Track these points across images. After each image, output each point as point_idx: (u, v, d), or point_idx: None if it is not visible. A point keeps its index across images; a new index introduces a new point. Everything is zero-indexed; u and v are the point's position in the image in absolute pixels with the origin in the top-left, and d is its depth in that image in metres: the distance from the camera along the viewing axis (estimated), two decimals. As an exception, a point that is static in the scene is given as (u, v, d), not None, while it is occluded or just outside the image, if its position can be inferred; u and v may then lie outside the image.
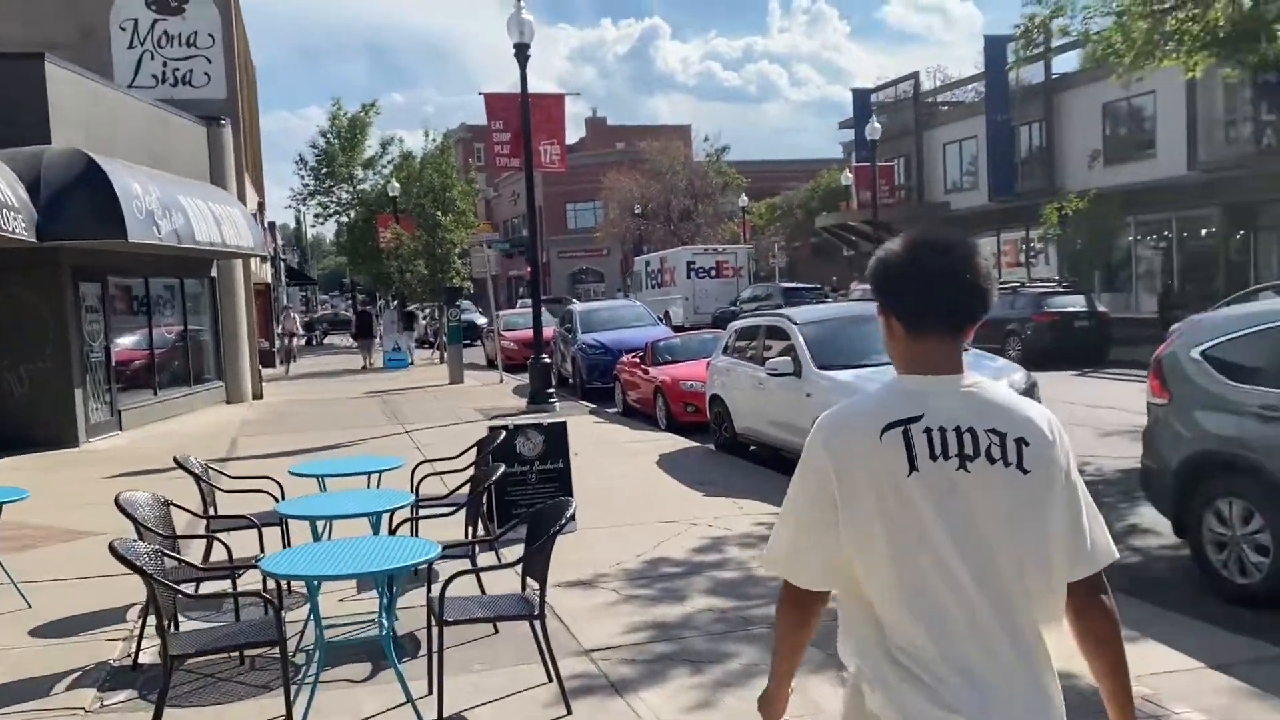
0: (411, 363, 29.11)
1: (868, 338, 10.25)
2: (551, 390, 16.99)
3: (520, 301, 60.14)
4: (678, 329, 34.62)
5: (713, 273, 35.70)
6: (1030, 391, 9.37)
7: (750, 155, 67.95)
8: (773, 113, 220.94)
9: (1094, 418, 13.00)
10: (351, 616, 5.97)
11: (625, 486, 9.97)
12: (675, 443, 12.76)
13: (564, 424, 8.37)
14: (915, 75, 38.08)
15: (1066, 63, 32.80)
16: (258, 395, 20.73)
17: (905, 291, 1.96)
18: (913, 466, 1.86)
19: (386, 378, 25.84)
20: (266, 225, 35.33)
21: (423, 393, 20.90)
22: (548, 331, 24.27)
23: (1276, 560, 5.70)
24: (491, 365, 25.41)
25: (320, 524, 5.73)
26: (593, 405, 17.47)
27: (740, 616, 5.77)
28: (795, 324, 10.59)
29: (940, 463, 1.87)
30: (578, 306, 22.05)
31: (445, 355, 23.51)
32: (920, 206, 36.23)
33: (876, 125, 31.42)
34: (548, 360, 17.10)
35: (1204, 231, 26.60)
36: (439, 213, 29.32)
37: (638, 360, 16.37)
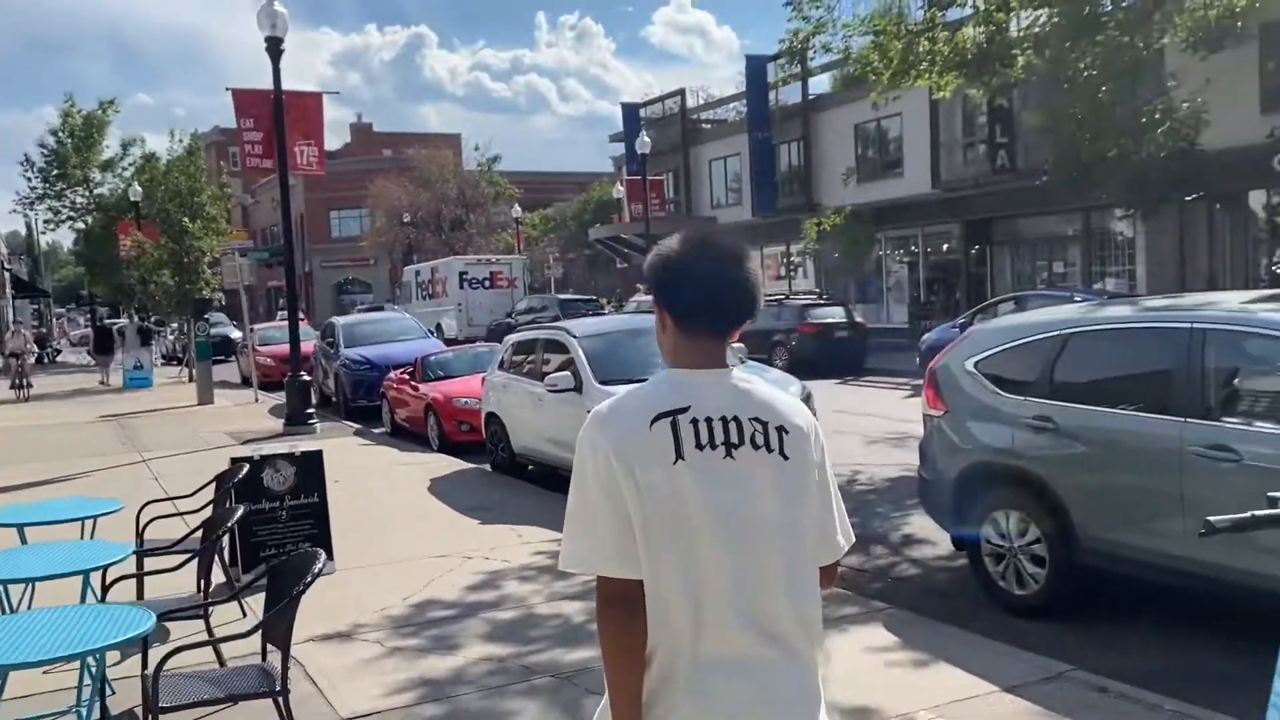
0: (153, 382, 26.69)
1: (649, 351, 9.99)
2: (311, 410, 15.84)
3: (280, 314, 57.15)
4: (450, 342, 33.68)
5: (487, 283, 34.93)
6: (807, 403, 9.36)
7: (522, 166, 67.52)
8: (543, 125, 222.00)
9: (859, 425, 13.33)
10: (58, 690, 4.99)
11: (392, 517, 9.21)
12: (449, 464, 12.05)
13: (319, 453, 7.55)
14: (681, 92, 38.85)
15: (822, 84, 34.44)
16: (-34, 423, 18.23)
17: (679, 288, 2.03)
18: (679, 455, 1.92)
19: (128, 398, 23.49)
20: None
21: (166, 415, 19.06)
22: (308, 346, 22.93)
23: (1052, 571, 5.75)
24: (247, 383, 23.64)
25: (17, 588, 4.74)
26: (358, 425, 16.42)
27: (520, 665, 5.23)
28: (575, 337, 10.17)
29: (706, 451, 1.94)
30: (339, 319, 20.80)
31: (195, 373, 21.59)
32: (689, 220, 36.92)
33: (646, 139, 31.72)
34: (307, 378, 15.93)
35: (946, 246, 28.43)
36: (186, 219, 27.05)
37: (407, 376, 15.50)
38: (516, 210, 51.67)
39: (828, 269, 26.54)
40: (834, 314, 20.89)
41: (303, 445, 7.52)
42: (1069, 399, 5.74)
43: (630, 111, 39.60)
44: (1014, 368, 6.14)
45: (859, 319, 21.53)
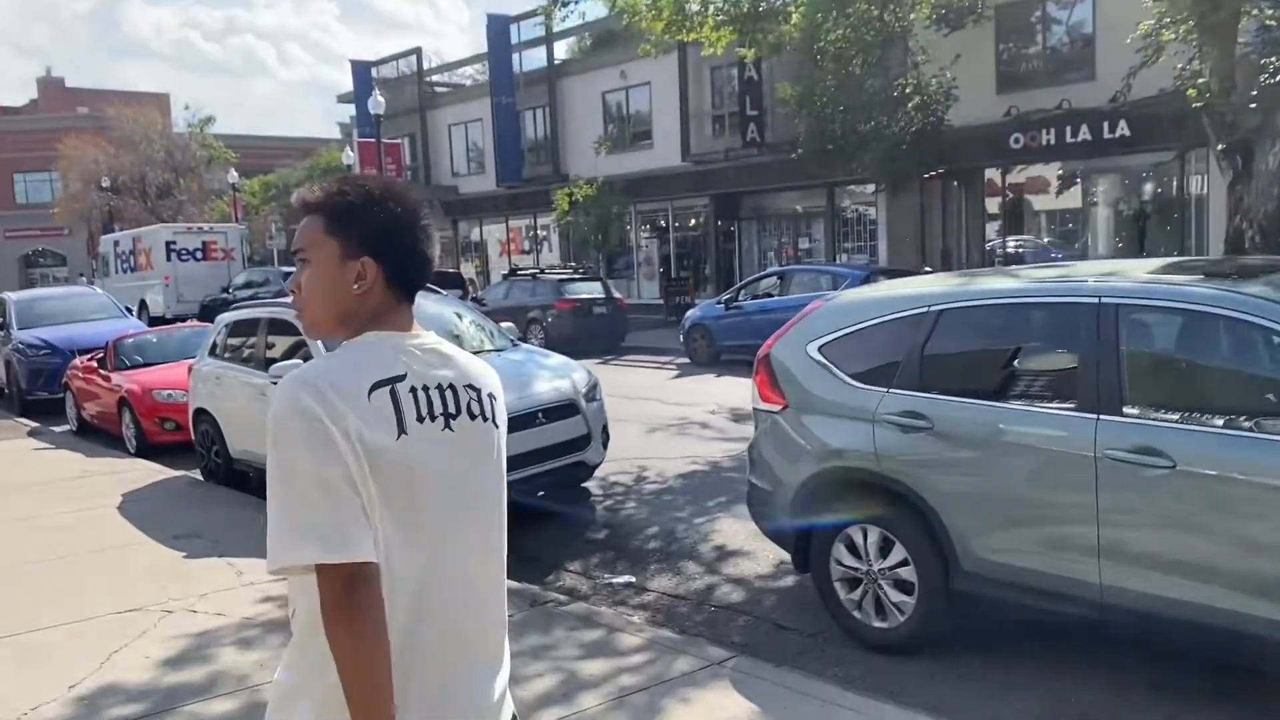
0: None
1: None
2: (-31, 408, 12.87)
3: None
4: (156, 321, 29.84)
5: (199, 254, 31.17)
6: (594, 393, 8.07)
7: (239, 131, 62.29)
8: (262, 90, 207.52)
9: (636, 411, 12.21)
10: None
11: (66, 554, 7.06)
12: (149, 473, 9.83)
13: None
14: (417, 51, 36.44)
15: (568, 50, 33.25)
16: None
17: (397, 238, 1.82)
18: (401, 429, 1.73)
19: None
20: None
21: None
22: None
23: (923, 599, 4.75)
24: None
25: None
26: (35, 424, 13.56)
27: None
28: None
29: (427, 424, 1.77)
30: (11, 295, 17.36)
31: None
32: (428, 189, 34.73)
33: (380, 99, 29.19)
34: (-40, 368, 12.91)
35: (696, 221, 28.07)
36: None
37: (95, 364, 12.86)
38: (233, 176, 47.25)
39: (577, 243, 25.39)
40: (591, 289, 19.77)
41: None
42: (945, 390, 4.73)
43: (361, 70, 36.71)
44: (872, 352, 5.08)
45: (617, 294, 20.54)
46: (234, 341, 9.39)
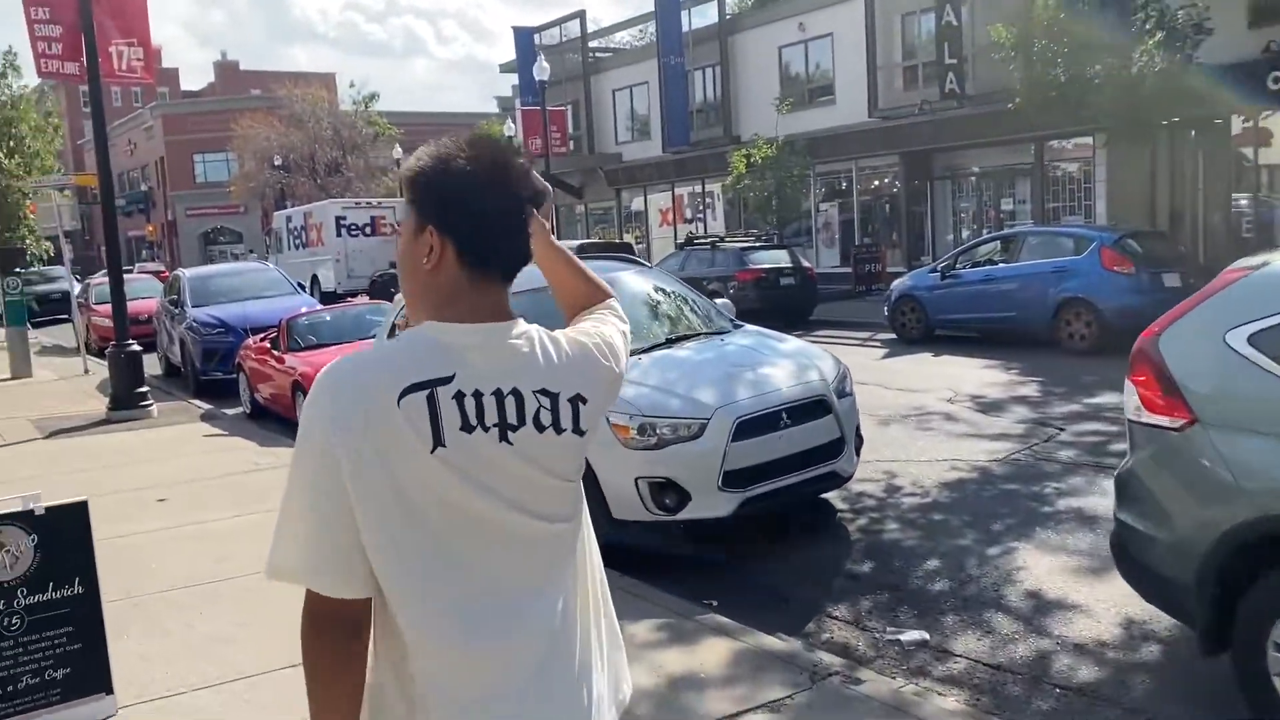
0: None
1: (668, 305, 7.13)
2: (144, 390, 12.37)
3: (135, 266, 51.75)
4: (328, 297, 29.86)
5: (368, 229, 31.05)
6: (845, 386, 6.56)
7: (401, 108, 62.97)
8: (421, 69, 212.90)
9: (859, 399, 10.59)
10: None
11: (234, 570, 6.05)
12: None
13: (79, 508, 4.30)
14: (581, 14, 35.29)
15: (739, 3, 31.46)
16: None
17: (477, 214, 1.56)
18: (438, 441, 1.49)
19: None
20: None
21: (-37, 395, 15.19)
22: (150, 305, 19.14)
23: None
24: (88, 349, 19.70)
25: None
26: (208, 406, 12.99)
27: None
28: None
29: (476, 435, 1.52)
30: (186, 272, 17.06)
31: (7, 339, 17.60)
32: (592, 158, 33.70)
33: (545, 64, 28.27)
34: (136, 347, 12.39)
35: (881, 182, 25.99)
36: (1, 154, 22.71)
37: (268, 344, 12.14)
38: (398, 151, 47.48)
39: (755, 208, 23.72)
40: (777, 258, 18.15)
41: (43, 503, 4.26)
42: None
43: (523, 37, 35.86)
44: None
45: (806, 263, 18.85)
46: (414, 322, 8.29)
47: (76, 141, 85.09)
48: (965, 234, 24.20)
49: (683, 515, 5.77)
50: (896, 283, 15.46)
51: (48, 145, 24.71)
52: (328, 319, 12.59)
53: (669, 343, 6.75)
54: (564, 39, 36.60)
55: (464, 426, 1.50)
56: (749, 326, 7.36)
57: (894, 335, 15.20)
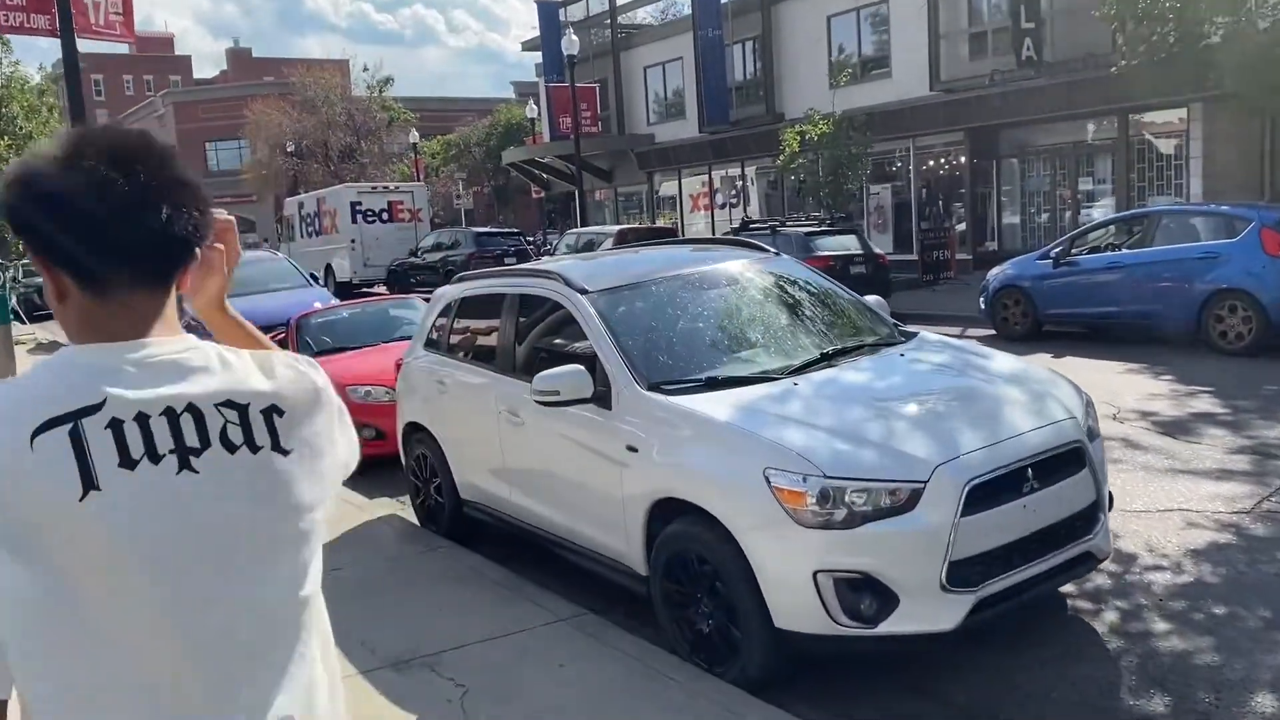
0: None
1: (724, 322, 5.24)
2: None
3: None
4: (343, 288, 27.98)
5: (384, 216, 29.17)
6: (1092, 421, 4.60)
7: (416, 93, 61.15)
8: (433, 59, 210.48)
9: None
10: None
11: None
12: (338, 509, 7.02)
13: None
14: (609, -13, 33.24)
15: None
16: None
17: (66, 225, 1.29)
18: (89, 485, 1.23)
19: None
20: None
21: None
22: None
23: None
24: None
25: None
26: (207, 419, 11.13)
27: None
28: (585, 294, 5.17)
29: (144, 469, 1.26)
30: (186, 264, 15.29)
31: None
32: (622, 139, 31.69)
33: (574, 38, 26.23)
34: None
35: (942, 161, 23.93)
36: (-13, 135, 20.97)
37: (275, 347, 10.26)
38: (414, 136, 45.62)
39: (811, 189, 21.59)
40: (846, 244, 16.15)
41: None
42: None
43: (548, 10, 33.83)
44: None
45: (877, 250, 16.83)
46: (466, 327, 6.34)
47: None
48: (1039, 217, 22.16)
49: (886, 628, 3.84)
50: (996, 272, 13.44)
51: (41, 127, 22.92)
52: (345, 317, 10.68)
53: (825, 359, 4.82)
54: (590, 14, 34.59)
55: (124, 462, 1.25)
56: (925, 333, 5.40)
57: (993, 331, 13.21)
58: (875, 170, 23.85)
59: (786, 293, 5.47)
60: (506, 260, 24.25)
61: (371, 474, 8.35)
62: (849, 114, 21.18)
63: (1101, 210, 20.28)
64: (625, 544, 4.67)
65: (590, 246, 20.56)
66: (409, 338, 9.87)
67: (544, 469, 5.31)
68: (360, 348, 9.62)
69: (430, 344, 6.61)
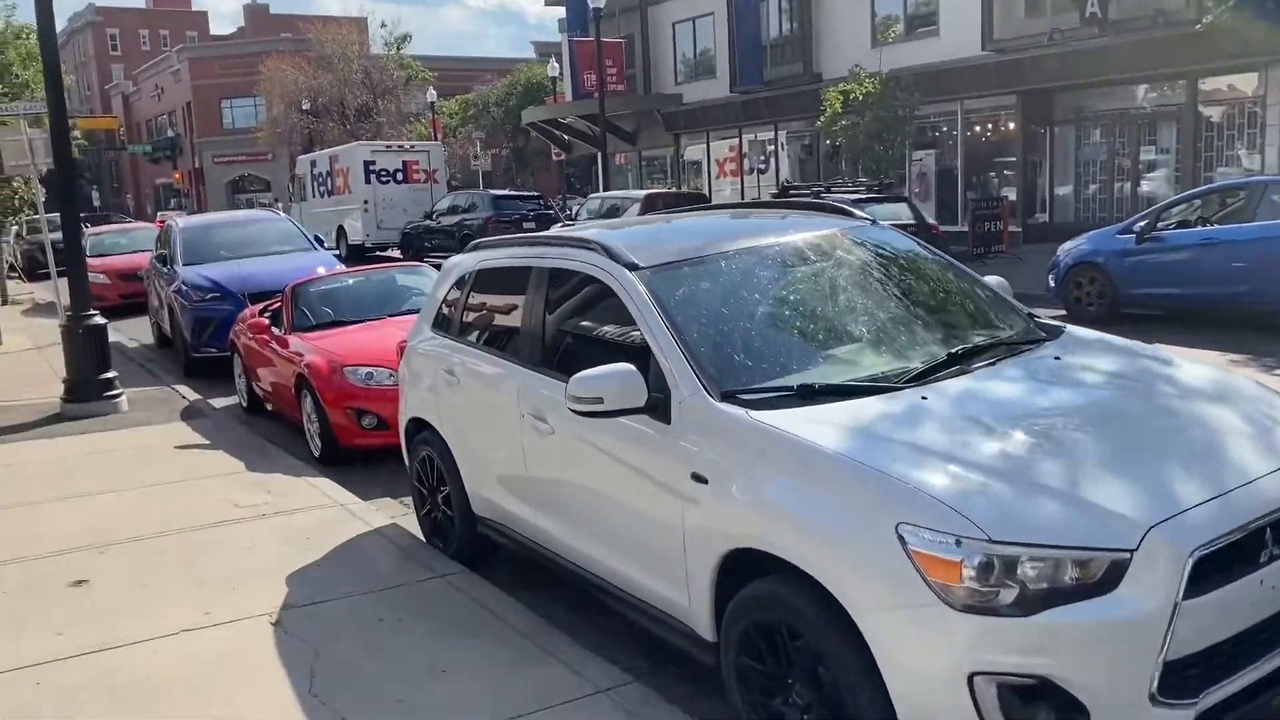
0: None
1: (809, 304, 4.02)
2: (109, 376, 9.40)
3: (161, 214, 48.98)
4: (355, 251, 26.86)
5: (399, 176, 27.97)
6: None
7: (434, 51, 59.71)
8: (453, 18, 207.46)
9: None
10: None
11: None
12: (332, 518, 5.95)
13: None
14: (637, -61, 31.68)
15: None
16: None
17: None
18: None
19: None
20: None
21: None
22: (141, 260, 16.22)
23: None
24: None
25: None
26: (195, 397, 10.04)
27: None
28: (633, 269, 3.98)
29: None
30: (179, 221, 14.08)
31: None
32: (648, 99, 30.28)
33: (600, -12, 24.81)
34: (98, 320, 9.41)
35: (991, 126, 22.50)
36: (-20, 83, 19.82)
37: (268, 319, 9.13)
38: (431, 94, 44.25)
39: (855, 153, 20.21)
40: (896, 213, 14.84)
41: None
42: None
43: (572, -36, 32.33)
44: None
45: (929, 219, 15.56)
46: (482, 305, 5.18)
47: (104, 86, 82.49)
48: (1091, 187, 20.77)
49: (1071, 757, 2.69)
50: (1068, 246, 12.16)
51: (38, 76, 21.71)
52: (348, 285, 9.52)
53: (953, 362, 3.63)
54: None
55: None
56: (1072, 328, 4.19)
57: (1063, 312, 11.95)
58: (917, 135, 22.44)
59: (890, 271, 4.28)
60: (526, 226, 23.06)
61: (370, 468, 7.29)
62: (896, 73, 19.75)
63: (1156, 182, 18.92)
64: (686, 598, 3.54)
65: (614, 213, 19.33)
66: (411, 311, 8.79)
67: (578, 490, 4.18)
68: (363, 321, 8.48)
69: (439, 324, 5.45)
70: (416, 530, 5.75)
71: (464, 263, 5.41)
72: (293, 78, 50.49)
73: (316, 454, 7.69)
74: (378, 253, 27.51)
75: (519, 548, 4.83)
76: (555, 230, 5.57)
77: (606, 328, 4.13)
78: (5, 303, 20.14)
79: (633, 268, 4.00)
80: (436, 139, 39.67)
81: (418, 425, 5.58)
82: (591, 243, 4.28)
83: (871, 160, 19.66)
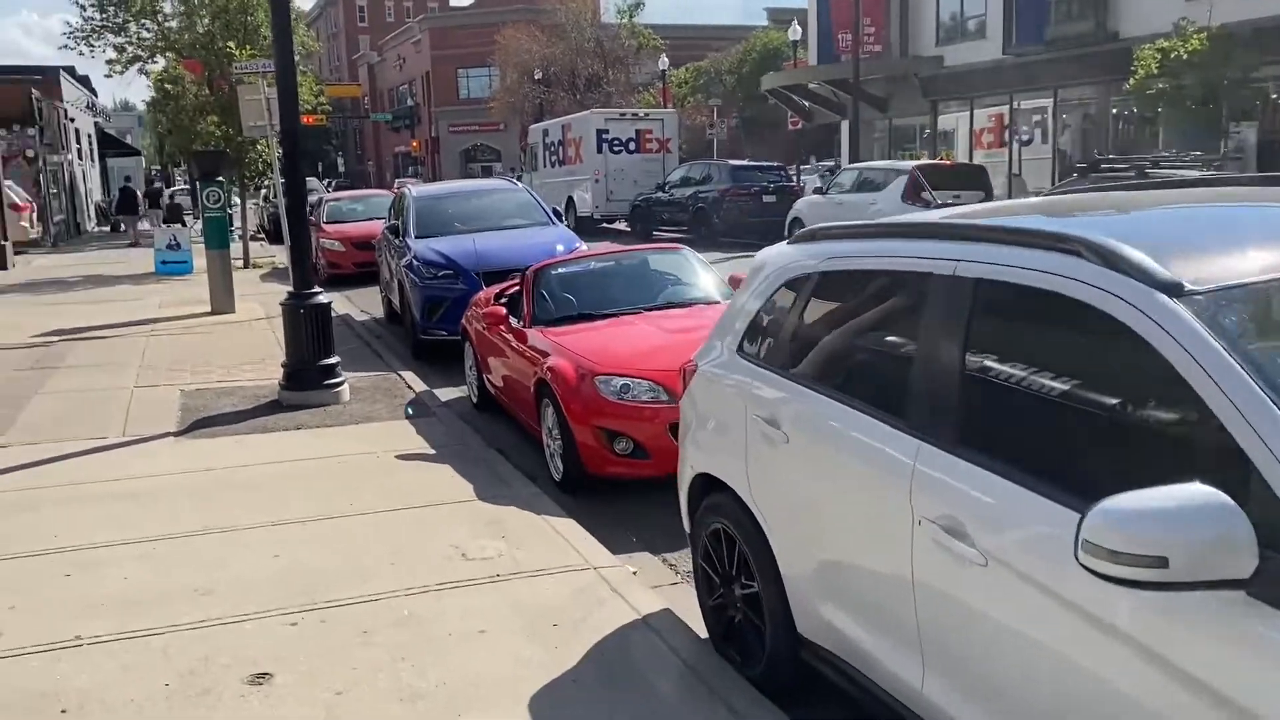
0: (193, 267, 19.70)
1: None
2: (332, 362, 8.34)
3: (398, 181, 50.23)
4: (583, 224, 25.82)
5: (632, 145, 26.78)
6: None
7: (663, 20, 58.40)
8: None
9: None
10: None
11: None
12: (583, 588, 4.43)
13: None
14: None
15: None
16: None
17: None
18: None
19: (138, 292, 16.75)
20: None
21: (132, 339, 11.94)
22: (374, 228, 15.56)
23: None
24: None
25: None
26: (422, 386, 8.90)
27: None
28: (1178, 296, 2.16)
29: None
30: (413, 189, 13.12)
31: (208, 267, 14.38)
32: (904, 62, 27.68)
33: (858, -60, 22.51)
34: (322, 299, 8.34)
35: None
36: (232, 45, 19.83)
37: (505, 307, 7.78)
38: (664, 62, 43.02)
39: (1181, 122, 17.22)
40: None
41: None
42: None
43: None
44: None
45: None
46: (830, 325, 3.46)
47: (352, 56, 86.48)
48: None
49: None
50: None
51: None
52: (594, 270, 8.00)
53: None
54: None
55: None
56: None
57: None
58: (1239, 102, 18.98)
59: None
60: (765, 200, 21.29)
61: (617, 499, 5.78)
62: (1229, 28, 16.56)
63: None
64: None
65: (870, 187, 17.22)
66: (679, 304, 7.22)
67: (1026, 671, 2.40)
68: (613, 315, 6.97)
69: (750, 345, 3.78)
70: (695, 616, 4.16)
71: (795, 258, 3.68)
72: (527, 46, 50.64)
73: (556, 477, 6.26)
74: (604, 225, 26.50)
75: (872, 699, 3.11)
76: (977, 214, 3.60)
77: (1114, 397, 2.32)
78: (246, 265, 20.21)
79: (1176, 291, 2.17)
80: (666, 108, 38.42)
81: (707, 483, 3.96)
82: (1071, 240, 2.45)
83: (1193, 129, 16.55)
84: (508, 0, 71.31)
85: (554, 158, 29.66)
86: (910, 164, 17.52)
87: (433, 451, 6.81)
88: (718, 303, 7.17)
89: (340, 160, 77.78)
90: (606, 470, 5.92)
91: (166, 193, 34.31)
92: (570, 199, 27.13)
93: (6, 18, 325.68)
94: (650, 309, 7.02)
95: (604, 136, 26.66)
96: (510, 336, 7.24)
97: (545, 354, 6.51)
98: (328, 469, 6.46)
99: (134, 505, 5.80)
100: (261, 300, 15.07)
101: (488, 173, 61.43)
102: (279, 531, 5.30)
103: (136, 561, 4.92)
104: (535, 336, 6.87)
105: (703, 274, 7.60)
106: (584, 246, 10.85)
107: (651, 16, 53.12)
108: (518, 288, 7.97)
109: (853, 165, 19.68)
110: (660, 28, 53.63)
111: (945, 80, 26.53)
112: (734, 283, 7.58)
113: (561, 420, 6.04)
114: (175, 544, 5.16)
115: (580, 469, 6.00)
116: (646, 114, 29.55)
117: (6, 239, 21.72)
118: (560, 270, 7.70)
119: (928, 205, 15.97)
